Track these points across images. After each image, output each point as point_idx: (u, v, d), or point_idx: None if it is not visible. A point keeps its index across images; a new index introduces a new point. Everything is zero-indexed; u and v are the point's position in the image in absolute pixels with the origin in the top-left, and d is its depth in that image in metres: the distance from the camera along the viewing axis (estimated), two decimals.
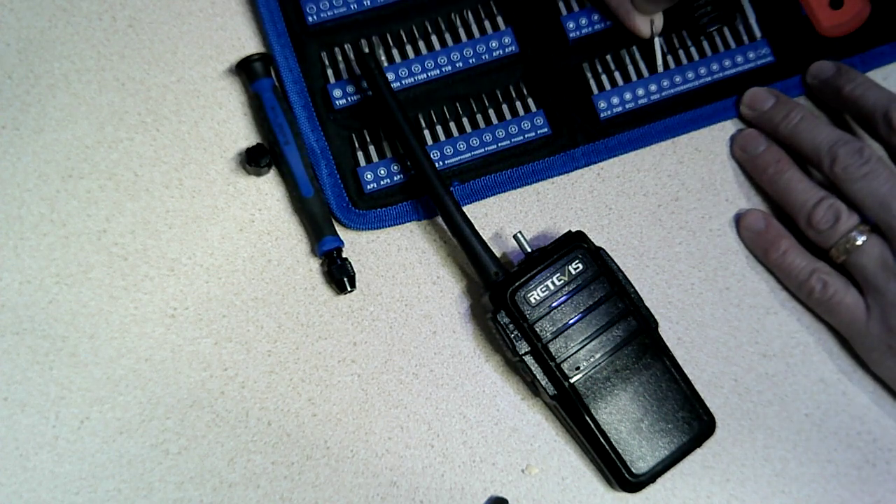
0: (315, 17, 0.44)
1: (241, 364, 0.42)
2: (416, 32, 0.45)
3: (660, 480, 0.40)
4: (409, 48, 0.45)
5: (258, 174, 0.43)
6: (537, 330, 0.39)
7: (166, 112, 0.44)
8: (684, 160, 0.46)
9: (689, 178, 0.46)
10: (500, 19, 0.45)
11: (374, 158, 0.44)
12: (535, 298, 0.40)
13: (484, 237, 0.42)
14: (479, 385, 0.43)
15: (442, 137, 0.44)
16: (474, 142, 0.44)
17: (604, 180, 0.45)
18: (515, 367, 0.42)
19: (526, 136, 0.44)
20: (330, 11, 0.44)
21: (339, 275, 0.42)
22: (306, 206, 0.42)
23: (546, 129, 0.45)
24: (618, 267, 0.41)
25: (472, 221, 0.41)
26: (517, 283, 0.40)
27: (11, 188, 0.42)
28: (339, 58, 0.44)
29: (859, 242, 0.41)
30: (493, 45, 0.45)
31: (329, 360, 0.42)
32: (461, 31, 0.45)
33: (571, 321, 0.40)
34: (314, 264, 0.43)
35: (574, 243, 0.40)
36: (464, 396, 0.42)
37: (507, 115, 0.45)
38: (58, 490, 0.39)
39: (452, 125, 0.44)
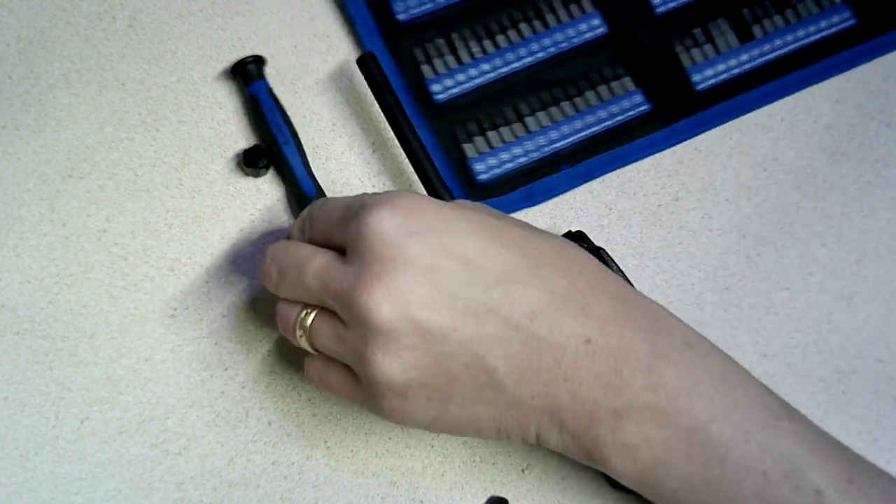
0: (405, 14, 0.45)
1: (241, 364, 0.42)
2: (505, 22, 0.46)
3: None
4: (500, 38, 0.46)
5: (256, 175, 0.43)
6: None
7: (166, 112, 0.44)
8: (684, 160, 0.46)
9: (689, 178, 0.46)
10: (586, 2, 0.47)
11: (483, 149, 0.44)
12: None
13: None
14: None
15: (547, 122, 0.45)
16: (578, 124, 0.45)
17: (604, 180, 0.45)
18: None
19: (627, 114, 0.45)
20: (418, 8, 0.45)
21: None
22: (308, 203, 0.42)
23: (646, 106, 0.46)
24: (618, 267, 0.41)
25: None
26: None
27: (11, 188, 0.42)
28: (433, 53, 0.45)
29: (309, 322, 0.36)
30: (583, 27, 0.46)
31: None
32: (549, 18, 0.46)
33: None
34: None
35: (574, 243, 0.40)
36: None
37: (607, 96, 0.45)
38: (58, 490, 0.39)
39: (556, 110, 0.45)
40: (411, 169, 0.43)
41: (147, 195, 0.43)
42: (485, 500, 0.41)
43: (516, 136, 0.44)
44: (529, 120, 0.45)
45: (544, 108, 0.45)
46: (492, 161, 0.44)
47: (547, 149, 0.44)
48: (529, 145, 0.44)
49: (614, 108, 0.45)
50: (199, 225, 0.43)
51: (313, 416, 0.41)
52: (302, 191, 0.42)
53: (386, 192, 0.35)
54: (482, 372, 0.33)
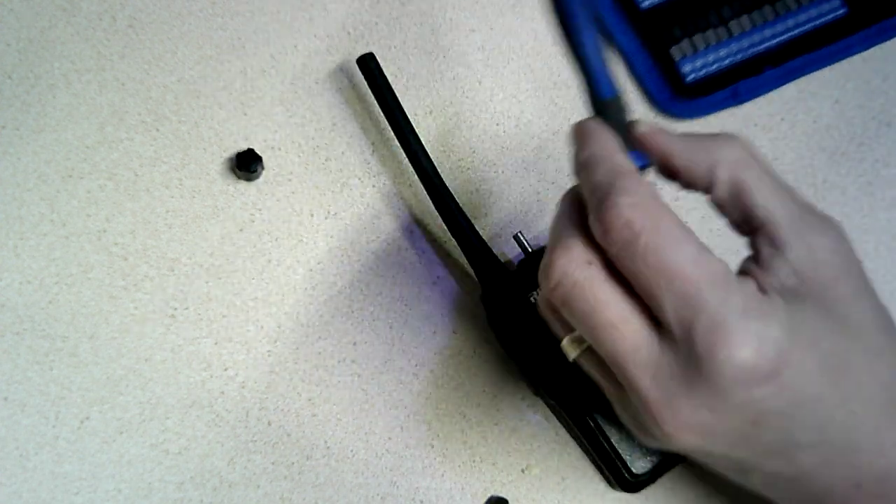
0: None
1: (241, 364, 0.42)
2: None
3: (660, 480, 0.40)
4: None
5: (248, 179, 0.43)
6: (537, 330, 0.39)
7: (166, 112, 0.44)
8: None
9: None
10: None
11: (689, 52, 0.46)
12: (534, 298, 0.40)
13: (484, 237, 0.42)
14: (479, 385, 0.43)
15: (748, 26, 0.47)
16: (779, 28, 0.47)
17: None
18: (515, 367, 0.42)
19: (824, 18, 0.47)
20: None
21: None
22: (604, 109, 0.33)
23: (842, 11, 0.47)
24: None
25: (472, 221, 0.41)
26: (517, 284, 0.40)
27: (11, 188, 0.42)
28: None
29: (574, 353, 0.31)
30: None
31: (329, 360, 0.42)
32: None
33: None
34: (314, 263, 0.43)
35: None
36: (464, 396, 0.42)
37: (805, 0, 0.47)
38: (58, 490, 0.39)
39: (757, 14, 0.47)
40: (411, 169, 0.43)
41: (147, 195, 0.43)
42: (485, 500, 0.41)
43: (720, 39, 0.47)
44: (732, 24, 0.47)
45: (746, 12, 0.47)
46: (698, 62, 0.46)
47: (750, 51, 0.47)
48: (734, 47, 0.47)
49: (813, 13, 0.47)
50: (199, 225, 0.43)
51: (313, 417, 0.41)
52: (598, 89, 0.32)
53: (749, 299, 0.28)
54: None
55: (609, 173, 0.29)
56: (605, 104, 0.32)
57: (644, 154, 0.31)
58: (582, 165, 0.30)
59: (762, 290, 0.29)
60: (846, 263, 0.30)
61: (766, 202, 0.30)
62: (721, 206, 0.31)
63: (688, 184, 0.31)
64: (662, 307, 0.27)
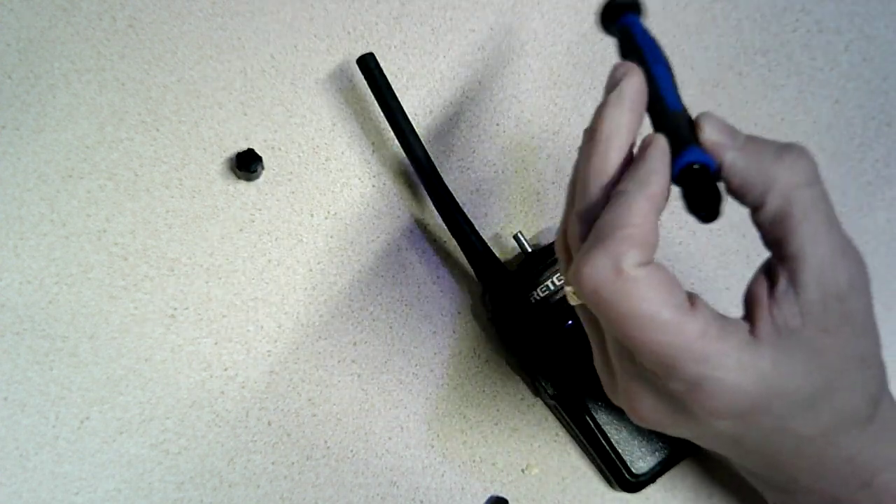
0: None
1: (241, 364, 0.42)
2: None
3: (660, 480, 0.40)
4: None
5: (248, 179, 0.43)
6: (537, 329, 0.39)
7: (166, 112, 0.44)
8: None
9: None
10: None
11: None
12: (535, 298, 0.40)
13: (484, 237, 0.42)
14: (479, 385, 0.43)
15: None
16: None
17: None
18: (515, 367, 0.42)
19: None
20: None
21: (706, 198, 0.30)
22: (670, 120, 0.32)
23: None
24: None
25: (472, 221, 0.41)
26: (517, 283, 0.40)
27: (11, 188, 0.42)
28: None
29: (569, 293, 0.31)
30: None
31: (329, 360, 0.42)
32: None
33: (571, 321, 0.40)
34: (314, 263, 0.43)
35: None
36: (464, 396, 0.42)
37: None
38: (58, 490, 0.39)
39: None
40: (411, 169, 0.43)
41: (147, 195, 0.43)
42: (485, 500, 0.41)
43: None
44: None
45: None
46: None
47: None
48: None
49: None
50: (199, 225, 0.43)
51: (313, 417, 0.41)
52: (664, 104, 0.32)
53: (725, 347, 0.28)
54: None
55: (615, 222, 0.27)
56: (670, 115, 0.31)
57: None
58: (617, 190, 0.28)
59: (754, 334, 0.29)
60: (855, 306, 0.30)
61: (803, 239, 0.29)
62: (759, 226, 0.30)
63: (738, 198, 0.30)
64: (635, 357, 0.28)
